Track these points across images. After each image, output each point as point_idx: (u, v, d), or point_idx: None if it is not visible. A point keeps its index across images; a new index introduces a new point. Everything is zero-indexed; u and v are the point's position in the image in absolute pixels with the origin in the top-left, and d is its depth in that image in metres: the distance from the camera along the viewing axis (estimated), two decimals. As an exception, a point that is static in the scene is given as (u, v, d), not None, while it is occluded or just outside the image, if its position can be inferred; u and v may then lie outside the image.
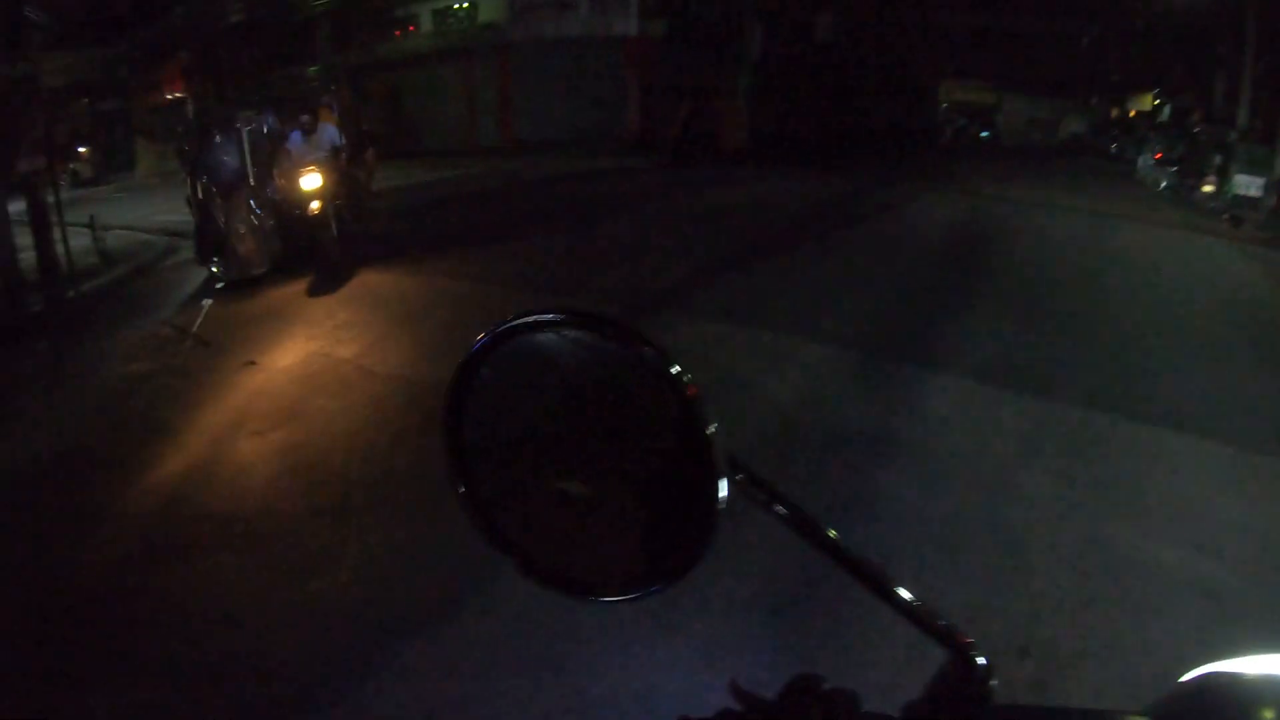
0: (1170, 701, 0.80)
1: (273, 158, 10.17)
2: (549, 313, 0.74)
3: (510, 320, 0.75)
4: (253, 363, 6.74)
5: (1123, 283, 9.72)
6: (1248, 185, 17.62)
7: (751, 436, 4.86)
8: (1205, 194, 19.13)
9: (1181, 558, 3.71)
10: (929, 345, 6.75)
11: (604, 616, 3.16)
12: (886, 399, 5.65)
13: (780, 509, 0.76)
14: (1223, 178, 18.63)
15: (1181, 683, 0.82)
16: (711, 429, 0.69)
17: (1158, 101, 41.07)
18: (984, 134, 42.12)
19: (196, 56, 26.44)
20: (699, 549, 0.71)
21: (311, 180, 9.62)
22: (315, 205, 9.57)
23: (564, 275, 9.26)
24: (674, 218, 12.54)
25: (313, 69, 26.22)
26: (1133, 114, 44.03)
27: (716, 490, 0.69)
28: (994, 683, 0.75)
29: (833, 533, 0.76)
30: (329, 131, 10.40)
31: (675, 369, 0.70)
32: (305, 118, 10.32)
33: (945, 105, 45.90)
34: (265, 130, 10.39)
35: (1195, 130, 28.08)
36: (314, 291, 9.01)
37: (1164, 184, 23.67)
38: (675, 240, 10.83)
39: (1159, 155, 25.17)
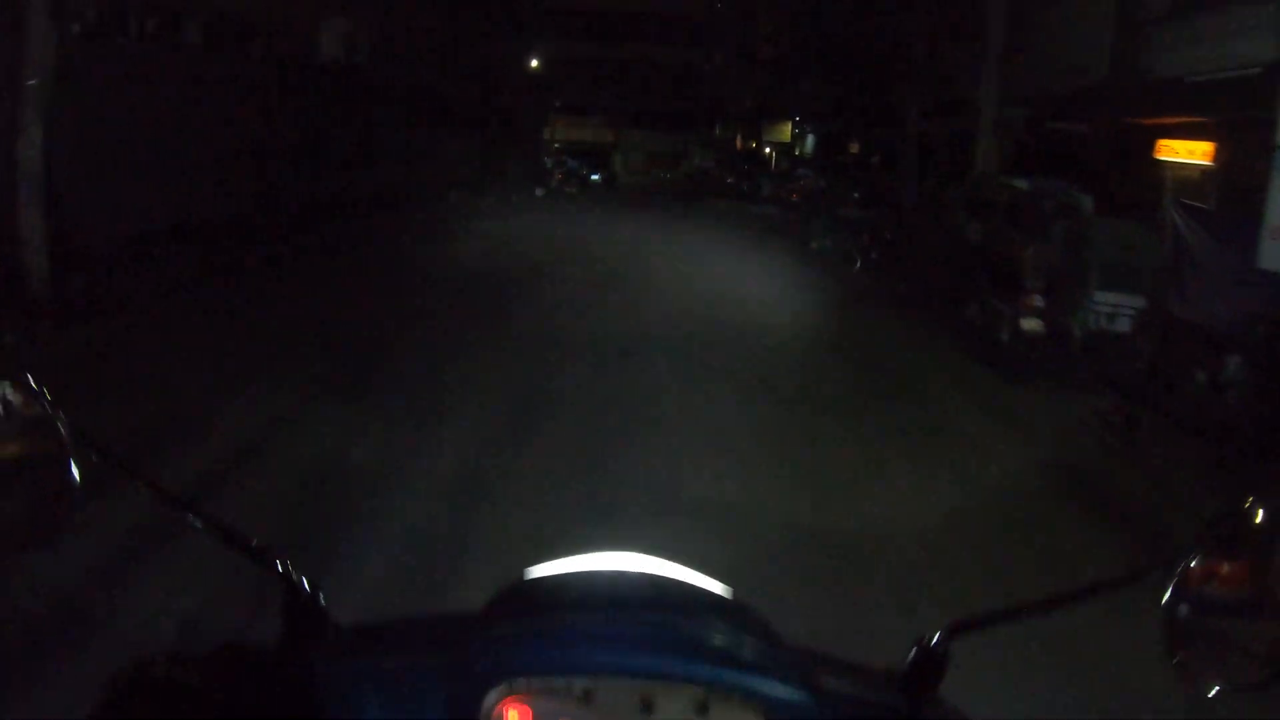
0: (491, 606, 0.80)
1: None
2: None
3: None
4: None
5: None
6: (1113, 313, 8.06)
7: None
8: (1031, 332, 8.72)
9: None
10: None
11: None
12: None
13: (136, 482, 0.82)
14: (1052, 296, 8.33)
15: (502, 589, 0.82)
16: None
17: (797, 131, 34.71)
18: (594, 177, 35.06)
19: None
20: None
21: None
22: None
23: None
24: None
25: None
26: (767, 150, 38.24)
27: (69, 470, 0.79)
28: (322, 600, 0.78)
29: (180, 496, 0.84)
30: None
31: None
32: None
33: (557, 146, 38.57)
34: None
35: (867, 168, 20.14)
36: None
37: (854, 270, 14.35)
38: None
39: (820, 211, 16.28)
